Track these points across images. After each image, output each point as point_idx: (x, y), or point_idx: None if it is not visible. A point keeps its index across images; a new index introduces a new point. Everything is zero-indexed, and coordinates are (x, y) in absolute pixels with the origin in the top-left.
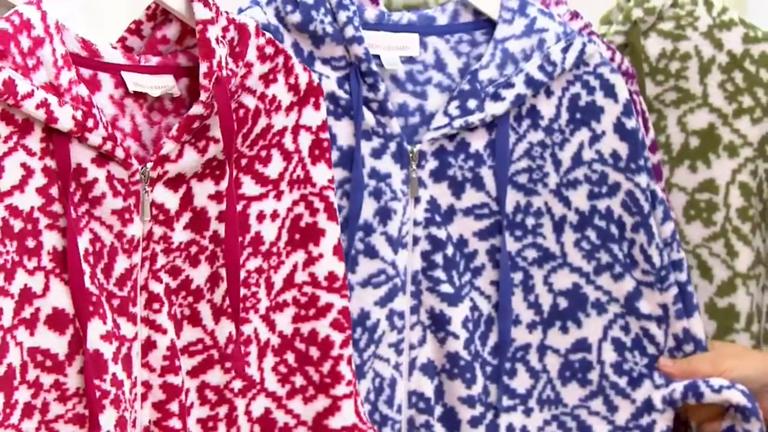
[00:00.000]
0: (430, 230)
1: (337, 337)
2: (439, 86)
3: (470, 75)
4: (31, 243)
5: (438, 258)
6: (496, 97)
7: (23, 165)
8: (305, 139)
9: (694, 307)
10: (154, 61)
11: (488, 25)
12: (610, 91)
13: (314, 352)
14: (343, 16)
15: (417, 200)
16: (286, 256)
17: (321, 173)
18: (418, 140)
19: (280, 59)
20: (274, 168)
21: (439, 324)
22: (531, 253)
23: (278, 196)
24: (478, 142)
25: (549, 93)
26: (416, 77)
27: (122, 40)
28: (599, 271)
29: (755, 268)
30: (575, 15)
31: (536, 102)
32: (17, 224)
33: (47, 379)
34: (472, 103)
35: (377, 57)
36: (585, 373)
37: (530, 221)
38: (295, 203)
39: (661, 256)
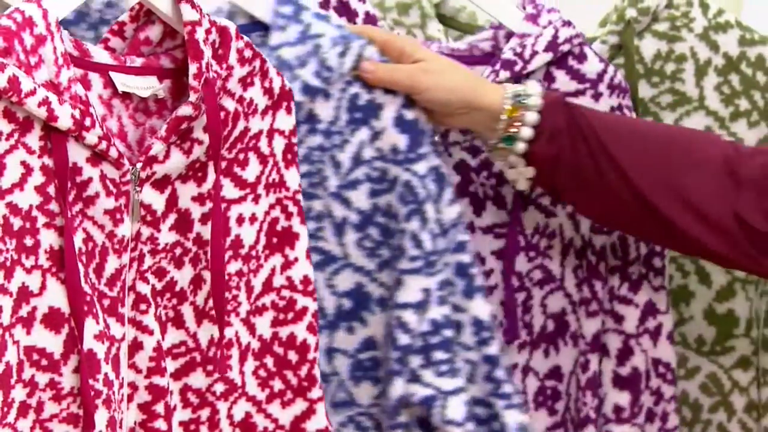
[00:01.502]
0: None
1: (312, 341)
2: None
3: None
4: (29, 241)
5: None
6: None
7: (23, 163)
8: (279, 143)
9: (476, 289)
10: (138, 62)
11: (264, 29)
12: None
13: (292, 356)
14: None
15: None
16: (265, 259)
17: (293, 177)
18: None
19: (257, 63)
20: (251, 171)
21: None
22: (313, 257)
23: (256, 199)
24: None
25: (327, 96)
26: None
27: (105, 41)
28: (381, 267)
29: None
30: (567, 23)
31: (313, 106)
32: (17, 222)
33: (42, 378)
34: None
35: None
36: (373, 370)
37: (311, 225)
38: (272, 207)
39: (434, 241)
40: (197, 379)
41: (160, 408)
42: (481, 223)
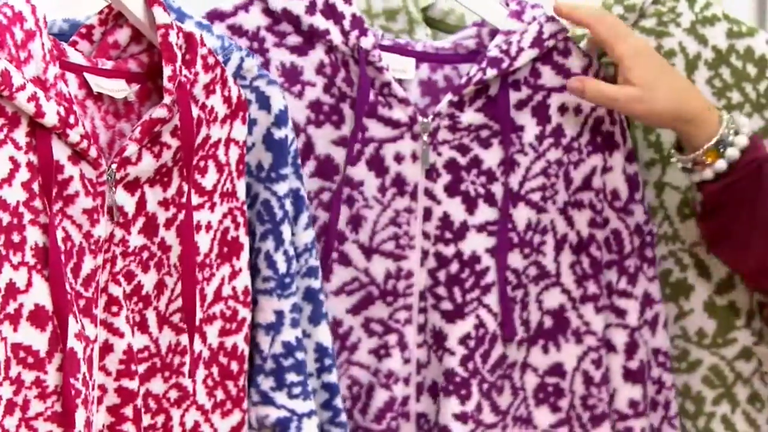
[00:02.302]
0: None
1: (247, 351)
2: None
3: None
4: (16, 237)
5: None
6: None
7: (11, 158)
8: (234, 153)
9: (322, 315)
10: (109, 65)
11: None
12: (264, 103)
13: (234, 366)
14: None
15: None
16: (217, 268)
17: (242, 188)
18: None
19: (218, 70)
20: (209, 179)
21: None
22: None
23: (212, 207)
24: None
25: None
26: None
27: (73, 44)
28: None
29: None
30: (551, 18)
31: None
32: (5, 218)
33: (28, 376)
34: None
35: None
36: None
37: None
38: (225, 216)
39: (288, 263)
40: (156, 385)
41: (128, 411)
42: (474, 222)
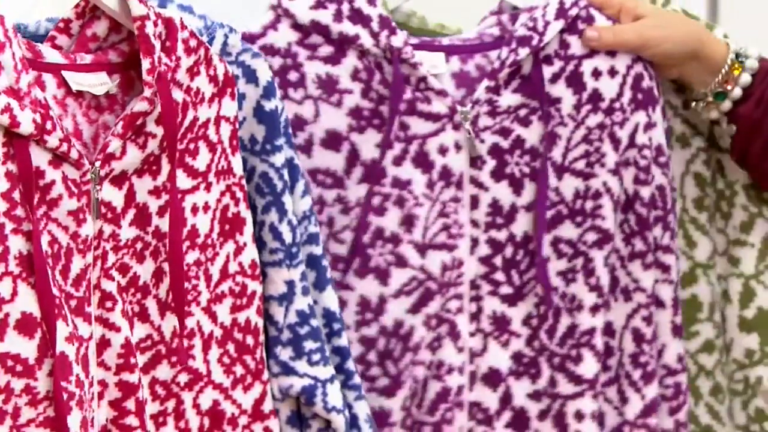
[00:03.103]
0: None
1: (261, 324)
2: None
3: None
4: None
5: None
6: None
7: None
8: (225, 130)
9: (327, 281)
10: (87, 59)
11: None
12: (251, 76)
13: (250, 341)
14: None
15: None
16: (220, 247)
17: (238, 163)
18: None
19: (202, 51)
20: (202, 160)
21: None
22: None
23: (208, 187)
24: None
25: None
26: None
27: (51, 39)
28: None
29: (714, 257)
30: None
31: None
32: None
33: (18, 384)
34: None
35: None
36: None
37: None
38: (222, 194)
39: (294, 233)
40: (163, 371)
41: (130, 404)
42: (522, 203)
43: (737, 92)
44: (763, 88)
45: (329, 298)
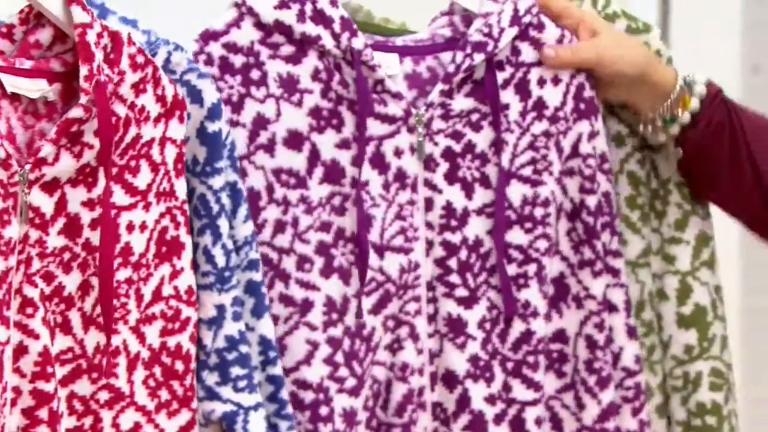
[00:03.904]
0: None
1: (193, 351)
2: None
3: None
4: None
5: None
6: None
7: None
8: (171, 152)
9: (265, 308)
10: (27, 64)
11: None
12: (196, 96)
13: (179, 366)
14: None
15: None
16: (155, 268)
17: (182, 187)
18: None
19: (149, 69)
20: (142, 179)
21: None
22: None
23: (146, 207)
24: None
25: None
26: None
27: None
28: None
29: (646, 256)
30: None
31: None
32: None
33: None
34: None
35: None
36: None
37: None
38: (162, 215)
39: (227, 257)
40: (83, 386)
41: (43, 414)
42: (473, 206)
43: (686, 117)
44: (710, 113)
45: (266, 326)
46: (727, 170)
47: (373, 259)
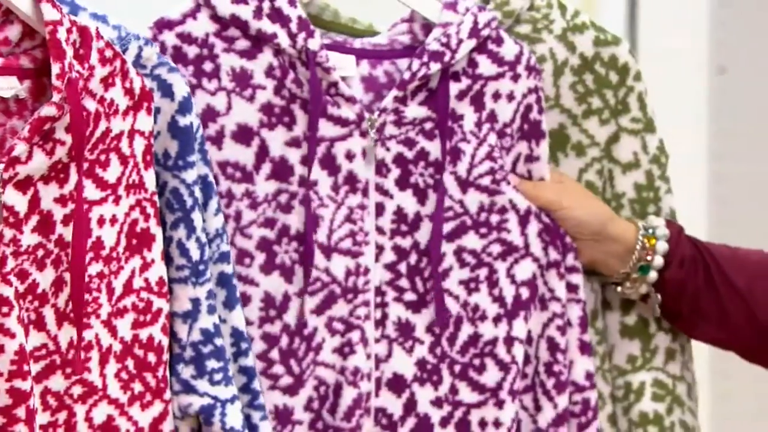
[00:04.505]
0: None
1: (165, 342)
2: None
3: None
4: None
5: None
6: None
7: None
8: (139, 144)
9: (236, 300)
10: None
11: None
12: (167, 90)
13: (152, 358)
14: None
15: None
16: (125, 261)
17: (151, 179)
18: None
19: (118, 63)
20: (112, 172)
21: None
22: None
23: (117, 200)
24: None
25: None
26: None
27: None
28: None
29: None
30: (482, 8)
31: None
32: None
33: None
34: None
35: None
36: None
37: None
38: (132, 208)
39: (201, 250)
40: (56, 382)
41: (21, 412)
42: (426, 212)
43: (659, 261)
44: (681, 250)
45: (238, 318)
46: (709, 300)
47: (319, 259)
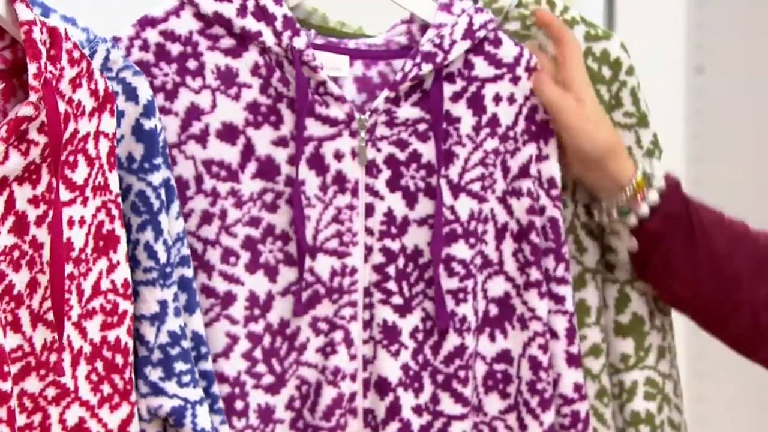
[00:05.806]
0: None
1: (131, 344)
2: None
3: None
4: None
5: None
6: None
7: None
8: (104, 146)
9: (196, 304)
10: None
11: None
12: (131, 94)
13: (119, 360)
14: None
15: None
16: (93, 263)
17: (115, 180)
18: None
19: (84, 64)
20: (80, 174)
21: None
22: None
23: (84, 202)
24: None
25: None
26: None
27: None
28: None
29: (600, 262)
30: (480, 9)
31: None
32: None
33: None
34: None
35: None
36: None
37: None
38: (98, 210)
39: (168, 253)
40: (32, 384)
41: (2, 413)
42: (415, 216)
43: (644, 210)
44: (669, 205)
45: (197, 322)
46: (683, 258)
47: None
